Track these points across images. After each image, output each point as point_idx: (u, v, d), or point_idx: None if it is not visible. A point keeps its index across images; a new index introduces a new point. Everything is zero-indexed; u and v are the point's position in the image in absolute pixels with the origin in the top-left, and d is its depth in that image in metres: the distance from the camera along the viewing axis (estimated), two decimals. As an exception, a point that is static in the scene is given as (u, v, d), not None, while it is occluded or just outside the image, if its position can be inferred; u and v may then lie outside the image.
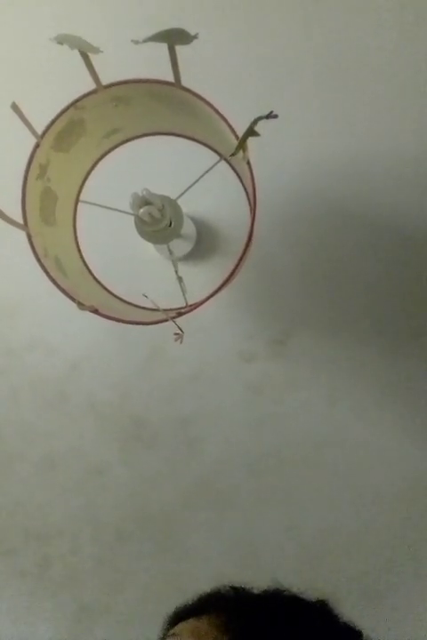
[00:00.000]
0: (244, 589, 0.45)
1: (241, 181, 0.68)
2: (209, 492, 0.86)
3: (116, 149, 0.68)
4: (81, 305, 0.55)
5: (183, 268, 0.82)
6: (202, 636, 0.37)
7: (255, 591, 0.45)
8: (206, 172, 0.65)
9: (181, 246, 0.81)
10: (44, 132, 0.56)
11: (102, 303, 0.63)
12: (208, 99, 0.55)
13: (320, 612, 0.42)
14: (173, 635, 0.39)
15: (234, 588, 0.46)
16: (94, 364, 0.85)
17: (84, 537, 0.87)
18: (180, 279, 0.67)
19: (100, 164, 0.68)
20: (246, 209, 0.68)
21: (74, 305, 0.56)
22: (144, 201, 0.63)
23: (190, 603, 0.45)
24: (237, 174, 0.68)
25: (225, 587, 0.46)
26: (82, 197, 0.69)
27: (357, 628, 0.41)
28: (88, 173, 0.68)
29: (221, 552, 0.87)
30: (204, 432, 0.85)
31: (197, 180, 0.66)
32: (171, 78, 0.54)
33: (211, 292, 0.58)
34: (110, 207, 0.67)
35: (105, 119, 0.61)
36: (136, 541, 0.87)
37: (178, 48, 0.49)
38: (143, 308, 0.70)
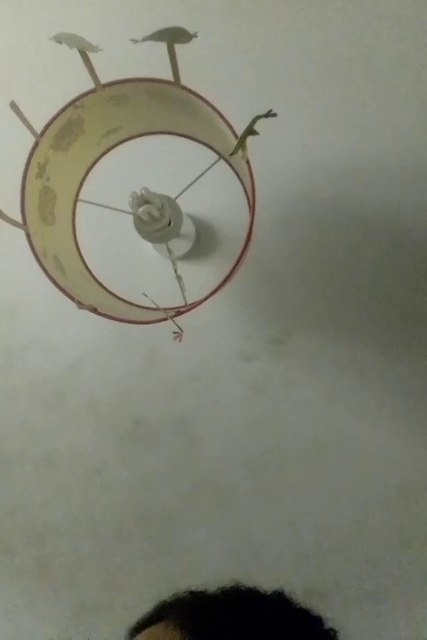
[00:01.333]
0: (201, 592, 0.46)
1: (240, 180, 0.68)
2: (208, 492, 0.86)
3: (116, 148, 0.68)
4: (80, 304, 0.55)
5: (182, 267, 0.82)
6: (159, 639, 0.37)
7: (213, 591, 0.45)
8: (206, 171, 0.65)
9: (181, 245, 0.81)
10: (43, 131, 0.55)
11: (101, 302, 0.63)
12: (207, 98, 0.55)
13: (276, 601, 0.43)
14: None
15: (191, 592, 0.47)
16: (93, 363, 0.85)
17: (84, 536, 0.87)
18: (179, 278, 0.67)
19: (100, 163, 0.68)
20: (245, 208, 0.68)
21: (73, 304, 0.56)
22: (143, 200, 0.63)
23: (148, 613, 0.46)
24: (237, 173, 0.68)
25: (183, 592, 0.47)
26: (81, 196, 0.69)
27: (315, 614, 0.42)
28: (87, 172, 0.68)
29: (221, 551, 0.86)
30: (203, 431, 0.85)
31: (196, 179, 0.66)
32: (170, 77, 0.54)
33: (210, 291, 0.58)
34: (109, 206, 0.67)
35: (104, 118, 0.61)
36: (135, 541, 0.87)
37: (177, 47, 0.49)
38: (142, 307, 0.70)
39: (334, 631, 0.41)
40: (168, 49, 0.49)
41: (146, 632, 0.40)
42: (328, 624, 0.41)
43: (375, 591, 0.86)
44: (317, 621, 0.41)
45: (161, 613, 0.43)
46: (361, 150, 0.82)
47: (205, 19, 0.83)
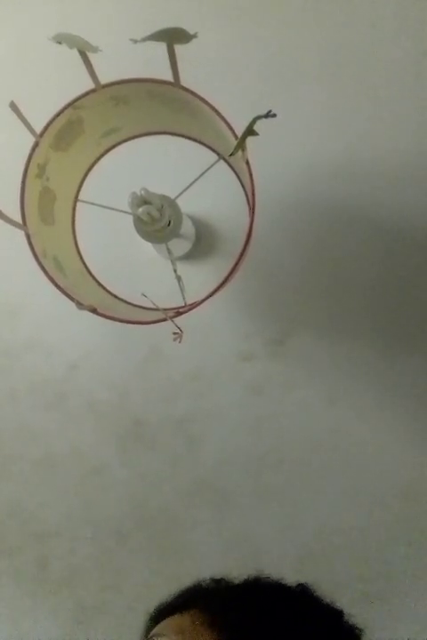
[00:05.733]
0: (224, 581, 0.45)
1: (240, 181, 0.68)
2: (208, 492, 0.86)
3: (115, 149, 0.68)
4: (80, 305, 0.55)
5: (182, 268, 0.82)
6: (186, 634, 0.36)
7: (236, 581, 0.45)
8: (205, 171, 0.65)
9: (180, 246, 0.81)
10: (43, 131, 0.55)
11: (101, 303, 0.63)
12: (207, 98, 0.55)
13: (301, 595, 0.43)
14: (157, 635, 0.38)
15: (215, 581, 0.46)
16: (93, 363, 0.85)
17: (83, 537, 0.87)
18: (178, 278, 0.67)
19: (99, 163, 0.68)
20: (245, 208, 0.68)
21: (73, 305, 0.56)
22: (143, 200, 0.63)
23: (172, 599, 0.45)
24: (236, 174, 0.68)
25: (205, 580, 0.46)
26: (81, 197, 0.69)
27: (337, 608, 0.42)
28: (87, 173, 0.68)
29: (221, 551, 0.87)
30: (203, 432, 0.85)
31: (195, 180, 0.66)
32: (170, 78, 0.54)
33: (210, 291, 0.58)
34: (109, 206, 0.67)
35: (104, 118, 0.61)
36: (135, 541, 0.87)
37: (177, 47, 0.49)
38: (142, 307, 0.70)
39: (360, 630, 0.40)
40: (168, 49, 0.49)
41: (173, 620, 0.39)
42: (352, 620, 0.41)
43: (375, 591, 0.86)
44: (339, 615, 0.41)
45: (185, 602, 0.41)
46: (361, 150, 0.82)
47: (206, 19, 0.83)
